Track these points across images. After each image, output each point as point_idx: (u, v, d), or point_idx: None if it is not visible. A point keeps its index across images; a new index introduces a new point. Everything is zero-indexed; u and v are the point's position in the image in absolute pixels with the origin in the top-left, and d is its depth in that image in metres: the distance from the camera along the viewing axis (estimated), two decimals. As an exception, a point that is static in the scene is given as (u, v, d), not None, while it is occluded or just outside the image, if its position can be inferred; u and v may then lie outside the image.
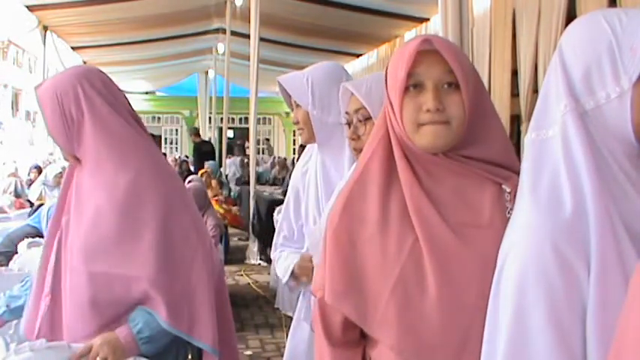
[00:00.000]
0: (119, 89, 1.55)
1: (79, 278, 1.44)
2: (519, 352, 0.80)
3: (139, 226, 1.44)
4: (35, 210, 4.04)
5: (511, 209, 1.00)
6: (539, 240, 0.81)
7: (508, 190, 1.05)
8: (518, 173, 0.94)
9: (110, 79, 1.54)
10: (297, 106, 1.80)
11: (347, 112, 1.52)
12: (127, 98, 1.56)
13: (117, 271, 1.42)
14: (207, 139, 13.17)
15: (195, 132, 11.56)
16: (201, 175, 8.27)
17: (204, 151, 10.87)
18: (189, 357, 1.68)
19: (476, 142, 1.09)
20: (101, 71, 1.56)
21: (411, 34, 8.12)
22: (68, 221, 1.51)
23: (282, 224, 1.99)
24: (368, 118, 1.44)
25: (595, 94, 0.84)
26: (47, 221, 3.02)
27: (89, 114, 1.46)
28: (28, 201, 6.31)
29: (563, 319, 0.78)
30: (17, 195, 6.50)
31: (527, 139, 0.90)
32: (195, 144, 11.08)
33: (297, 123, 1.83)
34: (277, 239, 2.00)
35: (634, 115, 0.82)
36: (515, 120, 5.76)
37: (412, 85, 1.06)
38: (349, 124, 1.50)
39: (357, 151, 1.47)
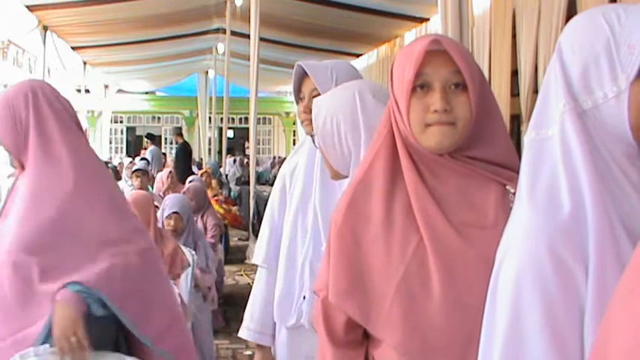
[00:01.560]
0: (65, 98, 1.66)
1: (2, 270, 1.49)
2: (515, 355, 0.79)
3: (74, 219, 1.52)
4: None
5: None
6: (536, 242, 0.80)
7: (512, 190, 1.05)
8: None
9: (56, 90, 1.65)
10: (315, 95, 1.79)
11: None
12: (72, 106, 1.66)
13: (41, 262, 1.48)
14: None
15: (179, 132, 11.51)
16: (201, 175, 8.27)
17: (190, 152, 10.79)
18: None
19: (481, 142, 1.09)
20: (47, 83, 1.69)
21: (410, 34, 8.11)
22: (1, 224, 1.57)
23: (261, 233, 1.96)
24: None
25: (593, 94, 0.83)
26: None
27: (38, 116, 1.56)
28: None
29: (559, 322, 0.77)
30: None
31: (527, 138, 0.89)
32: (180, 144, 10.81)
33: (309, 112, 1.81)
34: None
35: (631, 114, 0.80)
36: (515, 120, 5.76)
37: (419, 86, 1.06)
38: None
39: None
